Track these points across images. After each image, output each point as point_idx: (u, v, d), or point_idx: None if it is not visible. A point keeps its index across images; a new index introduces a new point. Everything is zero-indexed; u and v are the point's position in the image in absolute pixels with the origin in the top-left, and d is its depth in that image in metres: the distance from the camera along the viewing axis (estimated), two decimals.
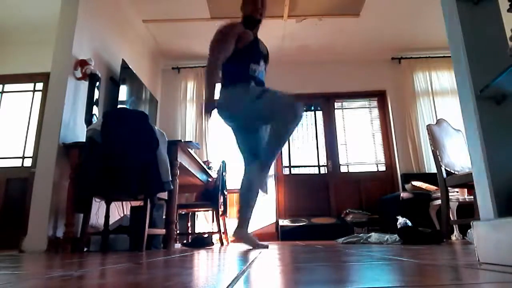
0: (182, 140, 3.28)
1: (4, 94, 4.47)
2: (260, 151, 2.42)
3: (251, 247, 2.40)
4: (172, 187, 2.52)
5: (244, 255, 1.61)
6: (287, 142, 2.42)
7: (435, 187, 3.79)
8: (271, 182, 4.95)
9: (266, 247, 2.38)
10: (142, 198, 2.47)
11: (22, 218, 3.49)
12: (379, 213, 4.57)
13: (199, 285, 0.67)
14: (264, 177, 2.30)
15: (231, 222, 4.31)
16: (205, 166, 3.69)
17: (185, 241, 3.76)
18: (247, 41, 2.47)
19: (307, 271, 0.85)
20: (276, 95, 2.28)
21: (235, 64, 2.42)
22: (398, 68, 5.29)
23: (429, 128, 3.01)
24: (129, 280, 0.77)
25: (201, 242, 3.19)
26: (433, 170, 3.89)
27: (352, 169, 5.22)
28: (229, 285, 0.66)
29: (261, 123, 2.48)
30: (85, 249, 2.59)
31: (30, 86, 4.44)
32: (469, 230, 2.37)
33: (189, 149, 3.09)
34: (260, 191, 2.36)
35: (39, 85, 4.39)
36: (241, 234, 2.46)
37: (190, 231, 4.04)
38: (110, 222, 2.79)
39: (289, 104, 2.20)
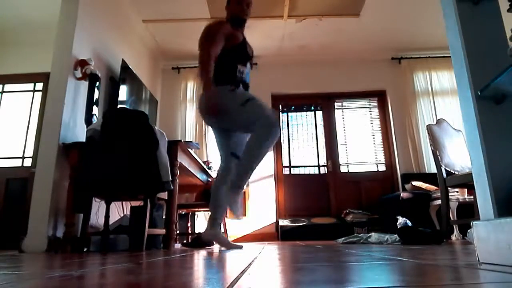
0: (182, 140, 3.28)
1: (4, 94, 4.46)
2: (238, 152, 2.38)
3: (224, 248, 2.38)
4: (172, 187, 2.52)
5: (244, 255, 1.60)
6: (269, 152, 2.37)
7: (435, 187, 3.79)
8: (270, 183, 4.95)
9: (241, 247, 2.38)
10: (142, 198, 2.47)
11: (22, 218, 3.49)
12: (379, 213, 4.57)
13: (199, 285, 0.67)
14: (236, 195, 2.22)
15: (231, 222, 4.32)
16: (205, 166, 3.69)
17: (185, 241, 3.75)
18: (237, 41, 2.40)
19: (307, 271, 0.85)
20: (259, 109, 2.21)
21: (223, 64, 2.32)
22: (398, 68, 5.29)
23: (429, 128, 3.01)
24: (129, 280, 0.77)
25: (201, 242, 3.19)
26: (433, 170, 3.90)
27: (352, 169, 5.22)
28: (229, 285, 0.66)
29: (239, 131, 2.42)
30: (85, 249, 2.59)
31: (30, 86, 4.44)
32: (469, 230, 2.37)
33: (189, 149, 3.09)
34: (232, 212, 2.28)
35: (39, 85, 4.39)
36: (213, 235, 2.38)
37: (190, 231, 4.04)
38: (110, 222, 2.79)
39: (270, 123, 2.16)
